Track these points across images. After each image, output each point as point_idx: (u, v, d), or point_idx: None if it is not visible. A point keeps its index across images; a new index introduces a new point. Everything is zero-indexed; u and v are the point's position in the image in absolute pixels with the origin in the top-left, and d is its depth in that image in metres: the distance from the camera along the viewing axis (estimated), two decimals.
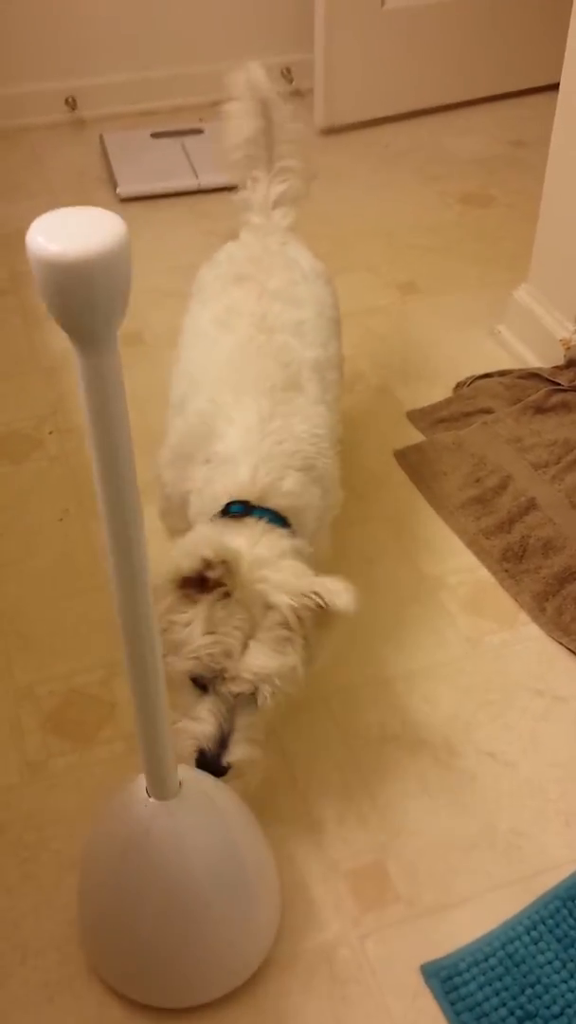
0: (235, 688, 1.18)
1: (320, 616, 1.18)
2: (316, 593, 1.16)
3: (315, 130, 3.20)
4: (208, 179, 2.92)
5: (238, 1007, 1.21)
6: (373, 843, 1.38)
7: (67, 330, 0.72)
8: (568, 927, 1.28)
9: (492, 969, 1.24)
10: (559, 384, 2.13)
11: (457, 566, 1.80)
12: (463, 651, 1.65)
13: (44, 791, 1.44)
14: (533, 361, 2.25)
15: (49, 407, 2.13)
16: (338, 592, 1.15)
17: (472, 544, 1.83)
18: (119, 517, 0.84)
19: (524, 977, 1.23)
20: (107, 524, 0.85)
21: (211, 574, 1.15)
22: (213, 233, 2.67)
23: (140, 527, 0.86)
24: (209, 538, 1.18)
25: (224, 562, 1.14)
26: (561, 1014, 1.20)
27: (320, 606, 1.16)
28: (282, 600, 1.16)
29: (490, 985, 1.22)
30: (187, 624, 1.17)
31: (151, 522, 1.37)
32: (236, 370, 1.43)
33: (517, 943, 1.26)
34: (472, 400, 2.15)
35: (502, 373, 2.22)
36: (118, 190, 2.91)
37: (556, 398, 2.10)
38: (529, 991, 1.22)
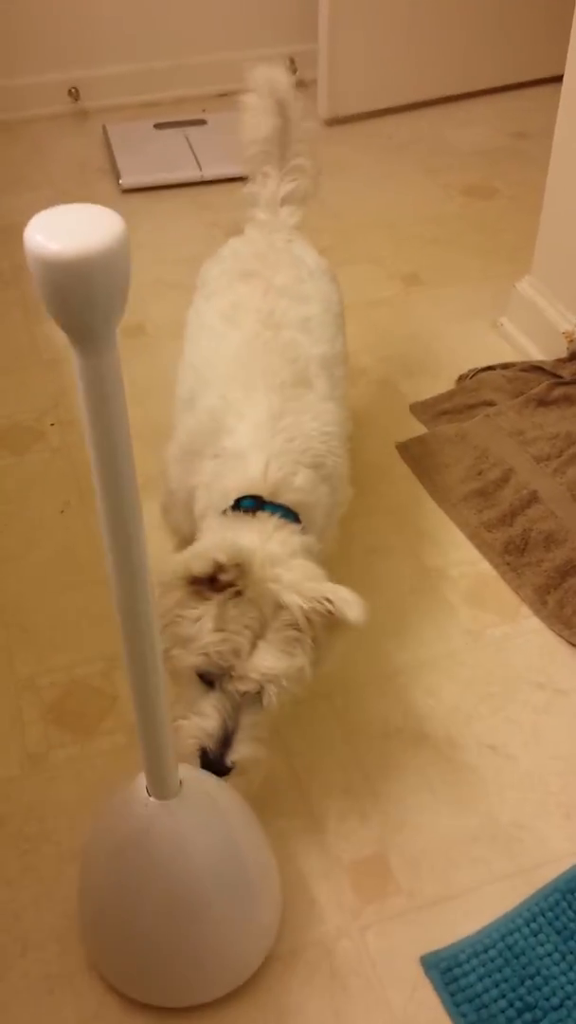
0: (242, 687, 1.17)
1: (330, 620, 1.17)
2: (328, 599, 1.15)
3: (319, 121, 3.20)
4: (211, 170, 2.91)
5: (238, 1000, 1.21)
6: (374, 836, 1.39)
7: (65, 329, 0.72)
8: (568, 919, 1.28)
9: (492, 961, 1.24)
10: (562, 377, 2.13)
11: (459, 559, 1.80)
12: (464, 644, 1.65)
13: (45, 783, 1.44)
14: (536, 354, 2.25)
15: (51, 399, 2.13)
16: (349, 603, 1.14)
17: (474, 537, 1.83)
18: (118, 516, 0.83)
19: (524, 969, 1.24)
20: (106, 523, 0.84)
21: (224, 577, 1.15)
22: (216, 225, 2.67)
23: (139, 525, 0.85)
24: (222, 542, 1.17)
25: (238, 565, 1.14)
26: (560, 1006, 1.20)
27: (330, 612, 1.16)
28: (293, 600, 1.16)
29: (490, 977, 1.23)
30: (197, 619, 1.16)
31: (152, 518, 1.37)
32: (244, 366, 1.42)
33: (517, 935, 1.27)
34: (475, 393, 2.14)
35: (505, 366, 2.22)
36: (121, 181, 2.90)
37: (559, 391, 2.10)
38: (528, 983, 1.22)
